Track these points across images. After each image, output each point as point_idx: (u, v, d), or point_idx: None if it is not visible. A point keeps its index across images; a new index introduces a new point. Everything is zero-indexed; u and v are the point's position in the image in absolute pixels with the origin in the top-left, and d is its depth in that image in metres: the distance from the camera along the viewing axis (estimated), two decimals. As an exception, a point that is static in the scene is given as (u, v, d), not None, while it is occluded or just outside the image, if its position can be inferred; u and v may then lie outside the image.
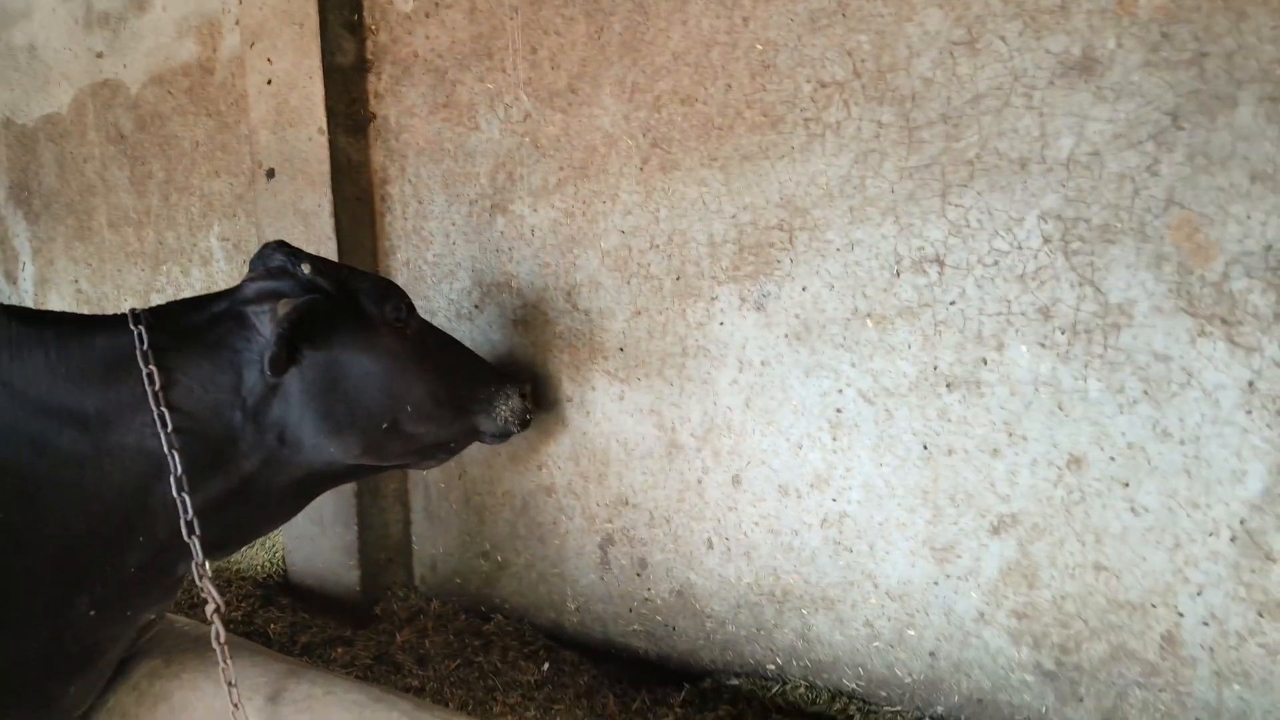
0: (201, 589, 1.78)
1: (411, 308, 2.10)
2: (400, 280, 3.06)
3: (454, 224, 2.90)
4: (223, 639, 1.81)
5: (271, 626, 3.13)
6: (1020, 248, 1.91)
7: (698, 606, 2.55)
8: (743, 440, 2.39)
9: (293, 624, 3.16)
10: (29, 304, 4.72)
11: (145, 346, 1.64)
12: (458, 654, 2.87)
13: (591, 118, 2.54)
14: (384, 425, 1.98)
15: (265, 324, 1.76)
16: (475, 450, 2.95)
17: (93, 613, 1.68)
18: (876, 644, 2.23)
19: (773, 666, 2.42)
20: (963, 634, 2.10)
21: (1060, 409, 1.91)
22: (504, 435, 2.37)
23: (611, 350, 2.60)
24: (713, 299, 2.39)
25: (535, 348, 2.76)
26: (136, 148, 3.88)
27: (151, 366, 1.64)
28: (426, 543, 3.19)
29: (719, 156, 2.32)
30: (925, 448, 2.09)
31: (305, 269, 1.88)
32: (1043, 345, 1.91)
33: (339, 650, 2.97)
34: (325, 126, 2.89)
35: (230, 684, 1.79)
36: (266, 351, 1.70)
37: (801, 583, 2.34)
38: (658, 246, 2.47)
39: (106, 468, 1.62)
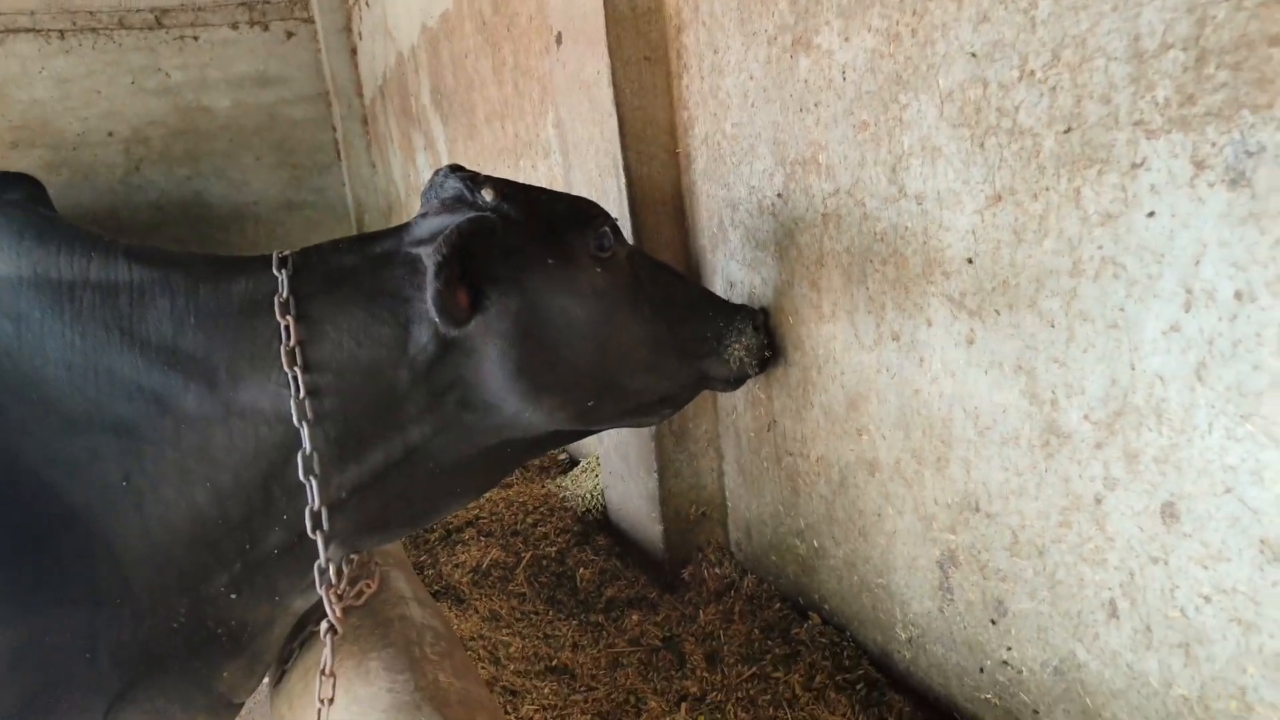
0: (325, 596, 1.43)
1: (617, 231, 1.65)
2: (699, 164, 2.31)
3: (751, 76, 2.03)
4: (328, 669, 1.40)
5: (581, 571, 2.78)
6: None
7: (1089, 703, 1.49)
8: (1185, 441, 1.24)
9: (602, 571, 2.77)
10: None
11: (285, 295, 1.35)
12: (755, 659, 2.19)
13: None
14: (594, 381, 1.59)
15: None
16: (786, 395, 2.15)
17: (234, 595, 1.42)
18: None
19: None
20: None
21: None
22: (739, 381, 1.94)
23: (955, 262, 1.57)
24: (1135, 166, 1.23)
25: (850, 255, 1.83)
26: (493, 32, 3.62)
27: (288, 318, 1.33)
28: (740, 502, 2.51)
29: None
30: None
31: (487, 195, 1.50)
32: None
33: (635, 617, 2.50)
34: (598, -38, 2.21)
35: (317, 733, 1.38)
36: (429, 290, 1.34)
37: (1300, 737, 1.17)
38: (1032, 74, 1.35)
39: (237, 433, 1.34)
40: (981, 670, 1.72)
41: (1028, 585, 1.57)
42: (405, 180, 6.11)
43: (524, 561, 2.85)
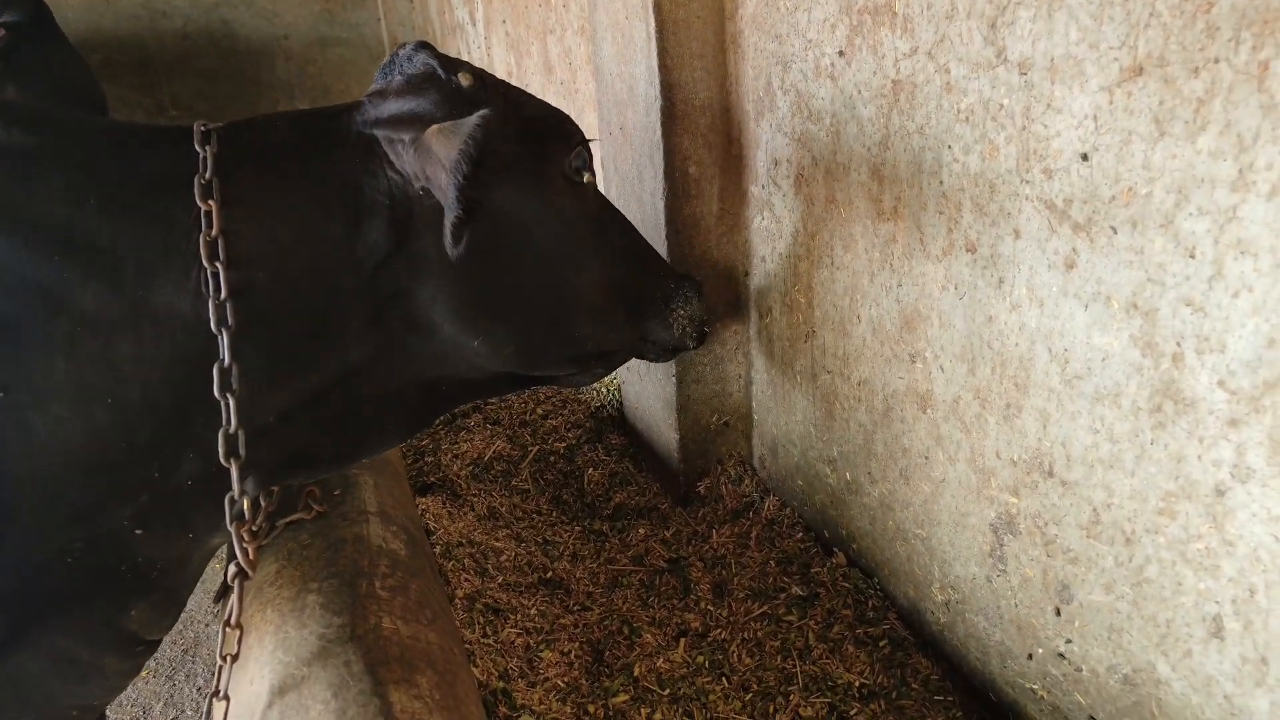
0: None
1: (590, 156, 1.46)
2: (748, 8, 1.87)
3: (818, -108, 1.57)
4: (233, 620, 1.18)
5: (590, 471, 2.54)
6: None
7: (1164, 728, 1.20)
8: (1371, 437, 0.88)
9: (613, 474, 2.53)
10: (478, 49, 4.51)
11: (208, 175, 1.13)
12: (768, 596, 1.95)
13: None
14: (547, 317, 1.43)
15: (405, 159, 1.22)
16: (829, 304, 1.80)
17: (139, 530, 1.20)
18: None
19: None
20: None
21: None
22: (674, 351, 1.72)
23: (1063, 157, 1.18)
24: (1367, 33, 0.82)
25: (923, 137, 1.43)
26: None
27: (210, 203, 1.12)
28: (768, 416, 2.20)
29: None
30: None
31: (462, 80, 1.29)
32: None
33: (642, 530, 2.27)
34: None
35: (219, 696, 1.17)
36: (448, 217, 1.17)
37: None
38: (1220, -115, 0.92)
39: (147, 341, 1.11)
40: (1030, 657, 1.44)
41: (1104, 575, 1.25)
42: (440, 17, 5.60)
43: (530, 456, 2.62)
